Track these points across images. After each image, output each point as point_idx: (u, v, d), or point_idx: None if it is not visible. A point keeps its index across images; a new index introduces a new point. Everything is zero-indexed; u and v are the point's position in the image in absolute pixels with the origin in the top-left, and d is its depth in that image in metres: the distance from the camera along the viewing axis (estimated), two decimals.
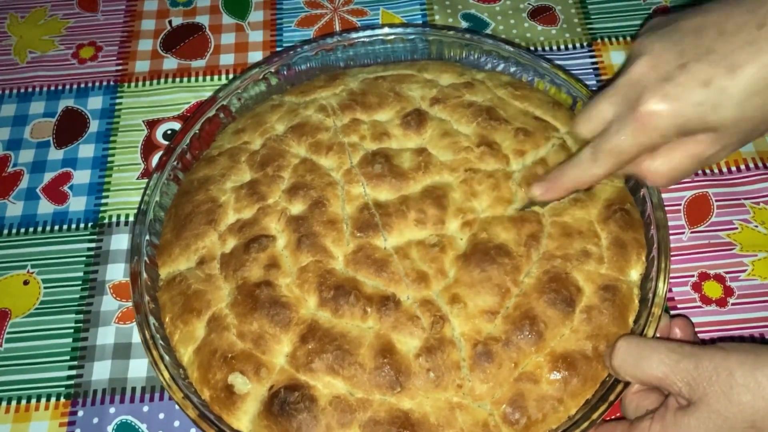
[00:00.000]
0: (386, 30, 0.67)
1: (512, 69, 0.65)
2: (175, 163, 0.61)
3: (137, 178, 0.67)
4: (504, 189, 0.55)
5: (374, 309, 0.50)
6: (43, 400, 0.56)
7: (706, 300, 0.59)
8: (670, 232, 0.61)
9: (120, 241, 0.64)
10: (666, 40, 0.46)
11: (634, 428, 0.46)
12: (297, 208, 0.55)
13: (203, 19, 0.79)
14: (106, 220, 0.65)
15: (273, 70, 0.66)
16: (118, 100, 0.73)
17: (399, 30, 0.67)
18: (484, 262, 0.51)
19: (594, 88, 0.70)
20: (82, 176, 0.68)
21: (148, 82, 0.74)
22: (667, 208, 0.62)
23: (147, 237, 0.57)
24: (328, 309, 0.50)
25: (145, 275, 0.55)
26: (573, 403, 0.48)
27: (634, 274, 0.53)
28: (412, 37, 0.67)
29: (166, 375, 0.50)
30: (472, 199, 0.55)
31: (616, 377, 0.48)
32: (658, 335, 0.50)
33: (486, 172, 0.56)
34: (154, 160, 0.68)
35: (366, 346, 0.48)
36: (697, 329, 0.56)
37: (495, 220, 0.54)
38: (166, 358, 0.51)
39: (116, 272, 0.62)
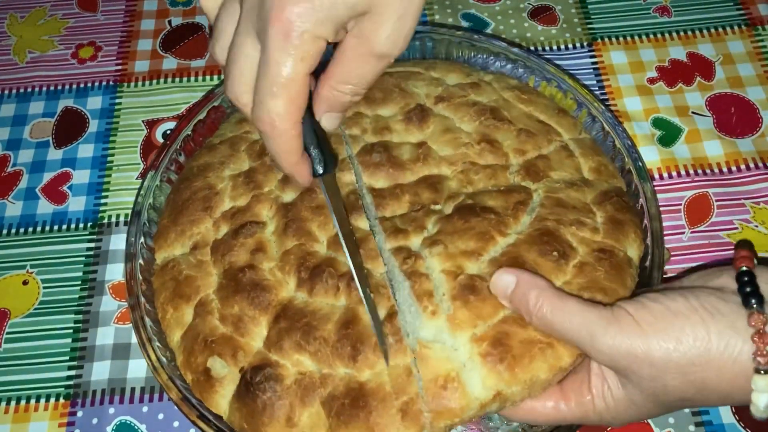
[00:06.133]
0: None
1: (519, 71, 0.65)
2: (176, 153, 0.61)
3: (137, 178, 0.67)
4: (501, 178, 0.54)
5: (344, 284, 0.49)
6: (43, 401, 0.56)
7: None
8: (671, 232, 0.61)
9: (119, 241, 0.63)
10: None
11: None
12: (289, 195, 0.55)
13: (203, 19, 0.78)
14: (106, 220, 0.65)
15: None
16: (117, 100, 0.73)
17: None
18: (467, 215, 0.50)
19: (597, 91, 0.70)
20: (81, 176, 0.68)
21: (147, 82, 0.74)
22: (667, 208, 0.63)
23: (145, 222, 0.57)
24: (305, 289, 0.50)
25: (140, 259, 0.55)
26: (565, 352, 0.44)
27: (632, 252, 0.51)
28: (420, 35, 0.67)
29: (153, 356, 0.50)
30: (468, 187, 0.54)
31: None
32: None
33: (484, 165, 0.56)
34: None
35: (333, 322, 0.48)
36: None
37: (484, 193, 0.53)
38: (155, 340, 0.51)
39: (115, 272, 0.62)
